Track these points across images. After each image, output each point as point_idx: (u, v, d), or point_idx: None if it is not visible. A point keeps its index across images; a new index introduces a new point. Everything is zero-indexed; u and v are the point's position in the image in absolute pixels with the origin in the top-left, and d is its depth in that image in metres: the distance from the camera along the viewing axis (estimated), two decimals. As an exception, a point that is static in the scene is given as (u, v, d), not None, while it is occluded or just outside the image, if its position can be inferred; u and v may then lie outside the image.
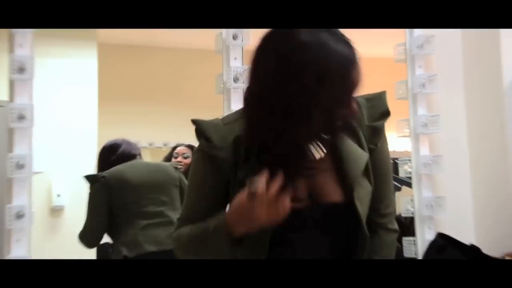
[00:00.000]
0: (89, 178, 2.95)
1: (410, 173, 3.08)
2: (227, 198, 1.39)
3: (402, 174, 3.13)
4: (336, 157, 1.39)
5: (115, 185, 2.92)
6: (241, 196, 1.25)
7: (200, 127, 1.40)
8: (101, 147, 3.18)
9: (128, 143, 3.14)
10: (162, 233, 2.87)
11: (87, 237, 2.94)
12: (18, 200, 2.45)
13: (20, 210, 2.43)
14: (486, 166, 3.13)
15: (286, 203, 1.23)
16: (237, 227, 1.29)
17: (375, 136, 1.44)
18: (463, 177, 3.17)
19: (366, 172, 1.41)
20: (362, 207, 1.39)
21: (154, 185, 2.99)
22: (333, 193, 1.39)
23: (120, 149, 3.08)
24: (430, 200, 2.99)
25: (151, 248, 2.83)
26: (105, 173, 2.95)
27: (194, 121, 1.41)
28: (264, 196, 1.21)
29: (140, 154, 3.17)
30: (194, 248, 1.42)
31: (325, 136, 1.31)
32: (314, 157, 1.31)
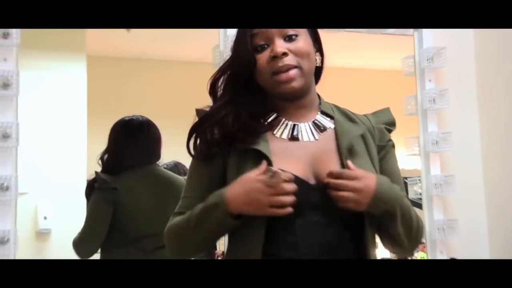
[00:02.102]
0: None
1: (420, 194, 3.06)
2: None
3: (412, 195, 3.11)
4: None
5: None
6: (253, 178, 1.45)
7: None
8: (90, 166, 3.15)
9: None
10: None
11: None
12: (2, 225, 2.42)
13: (4, 235, 2.40)
14: (502, 186, 3.08)
15: (292, 198, 1.44)
16: (238, 205, 1.46)
17: (383, 135, 1.68)
18: (477, 199, 3.12)
19: (371, 161, 1.61)
20: None
21: None
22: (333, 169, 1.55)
23: None
24: (442, 223, 2.96)
25: None
26: None
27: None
28: (280, 186, 1.43)
29: None
30: (187, 230, 1.54)
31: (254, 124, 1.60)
32: (309, 139, 1.60)
